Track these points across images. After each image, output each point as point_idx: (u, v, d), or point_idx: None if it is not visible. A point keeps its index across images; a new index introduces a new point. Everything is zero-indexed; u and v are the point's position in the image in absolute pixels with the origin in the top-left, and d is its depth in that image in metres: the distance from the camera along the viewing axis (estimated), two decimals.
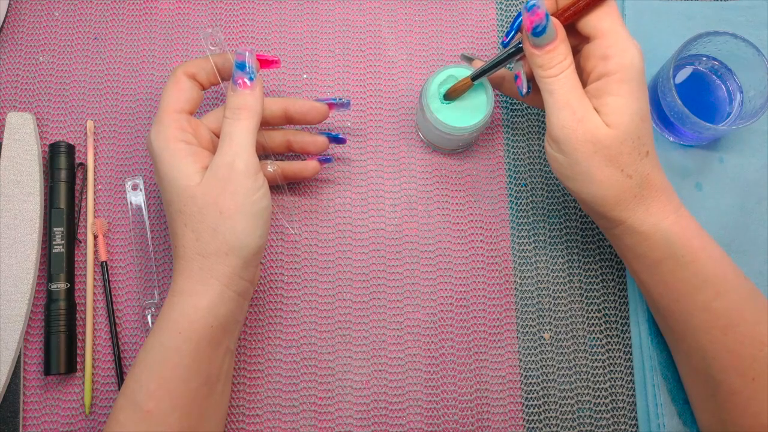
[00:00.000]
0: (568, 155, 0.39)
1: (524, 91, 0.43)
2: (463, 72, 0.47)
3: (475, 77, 0.45)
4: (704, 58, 0.51)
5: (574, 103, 0.38)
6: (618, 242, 0.43)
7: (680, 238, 0.40)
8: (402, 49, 0.53)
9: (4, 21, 0.51)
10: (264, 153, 0.47)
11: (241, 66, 0.41)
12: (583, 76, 0.40)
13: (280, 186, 0.49)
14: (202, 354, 0.38)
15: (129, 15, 0.53)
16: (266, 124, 0.46)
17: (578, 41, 0.41)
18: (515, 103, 0.53)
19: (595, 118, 0.38)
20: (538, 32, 0.38)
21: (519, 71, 0.43)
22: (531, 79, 0.43)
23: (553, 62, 0.38)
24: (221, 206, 0.39)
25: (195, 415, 0.38)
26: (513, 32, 0.42)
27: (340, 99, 0.47)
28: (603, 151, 0.38)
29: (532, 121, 0.53)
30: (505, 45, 0.43)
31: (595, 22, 0.39)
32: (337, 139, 0.48)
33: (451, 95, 0.47)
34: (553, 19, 0.38)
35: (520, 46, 0.41)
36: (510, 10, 0.55)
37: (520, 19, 0.40)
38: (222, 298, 0.39)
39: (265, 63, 0.44)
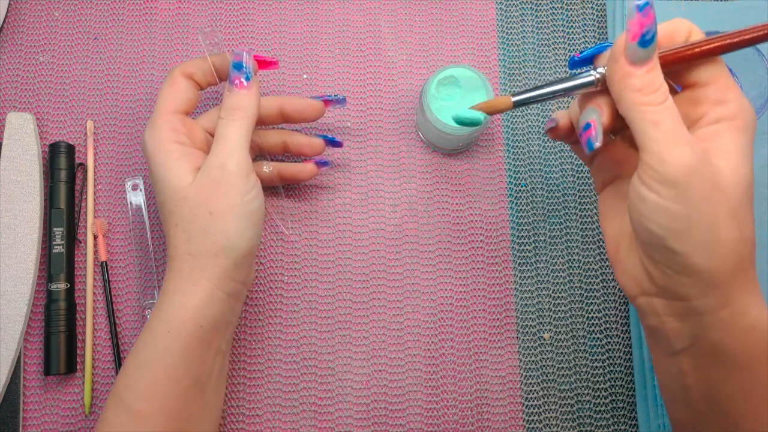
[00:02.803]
0: (687, 204, 0.30)
1: (596, 144, 0.33)
2: (464, 72, 0.47)
3: (521, 102, 0.36)
4: None
5: (690, 138, 0.31)
6: (696, 333, 0.33)
7: None
8: (402, 49, 0.53)
9: (4, 21, 0.51)
10: (260, 153, 0.47)
11: (238, 66, 0.41)
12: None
13: (277, 187, 0.49)
14: (192, 354, 0.38)
15: (129, 15, 0.53)
16: (262, 123, 0.46)
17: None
18: None
19: (715, 163, 0.31)
20: (647, 39, 0.31)
21: (593, 119, 0.34)
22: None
23: (655, 84, 0.31)
24: (212, 207, 0.39)
25: (184, 415, 0.38)
26: (592, 52, 0.35)
27: (335, 95, 0.47)
28: (727, 202, 0.31)
29: (531, 121, 0.53)
30: (574, 64, 0.36)
31: (708, 68, 0.33)
32: (333, 143, 0.48)
33: (477, 112, 0.39)
34: None
35: (592, 78, 0.34)
36: (510, 10, 0.55)
37: (603, 46, 0.34)
38: (212, 299, 0.39)
39: (263, 64, 0.44)
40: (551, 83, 0.35)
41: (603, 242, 0.50)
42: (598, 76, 0.34)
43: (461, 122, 0.40)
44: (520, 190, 0.51)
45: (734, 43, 0.32)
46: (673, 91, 0.34)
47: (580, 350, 0.49)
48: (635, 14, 0.31)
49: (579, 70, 0.36)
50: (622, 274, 0.36)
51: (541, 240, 0.51)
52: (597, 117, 0.34)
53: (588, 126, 0.34)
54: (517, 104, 0.36)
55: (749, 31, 0.33)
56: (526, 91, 0.36)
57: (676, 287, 0.32)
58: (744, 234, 0.31)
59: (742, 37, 0.32)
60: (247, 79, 0.41)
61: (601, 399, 0.48)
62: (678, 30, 0.34)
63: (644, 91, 0.31)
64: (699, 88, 0.34)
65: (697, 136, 0.33)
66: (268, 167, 0.47)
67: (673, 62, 0.33)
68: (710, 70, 0.33)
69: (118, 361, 0.46)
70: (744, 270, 0.32)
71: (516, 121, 0.53)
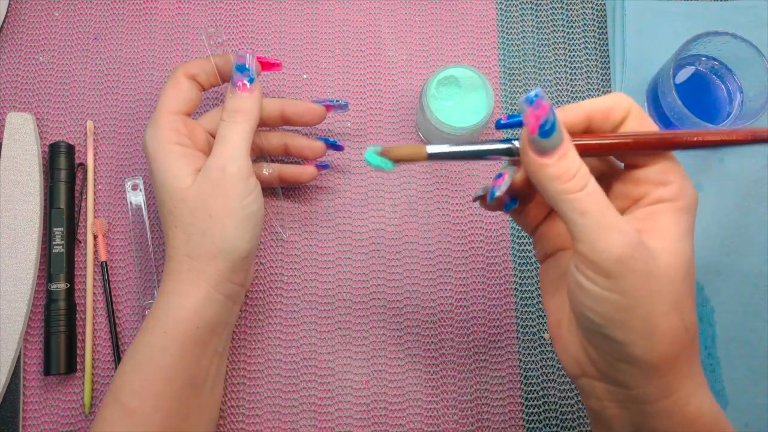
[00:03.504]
0: (625, 293, 0.29)
1: (498, 193, 0.33)
2: (464, 72, 0.47)
3: (435, 155, 0.33)
4: (704, 58, 0.51)
5: (620, 223, 0.29)
6: (638, 421, 0.32)
7: (725, 426, 0.31)
8: (402, 49, 0.53)
9: (4, 21, 0.51)
10: (261, 154, 0.47)
11: (241, 68, 0.41)
12: (622, 204, 0.33)
13: (276, 189, 0.49)
14: (187, 354, 0.39)
15: (129, 15, 0.53)
16: (263, 125, 0.46)
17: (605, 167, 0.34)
18: (515, 103, 0.53)
19: (648, 244, 0.30)
20: (546, 130, 0.29)
21: (506, 172, 0.33)
22: (518, 193, 0.35)
23: (572, 170, 0.29)
24: (211, 209, 0.39)
25: (179, 415, 0.38)
26: (513, 121, 0.34)
27: (337, 101, 0.47)
28: (666, 289, 0.29)
29: None
30: (499, 126, 0.35)
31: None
32: (335, 146, 0.48)
33: (388, 155, 0.34)
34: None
35: (509, 146, 0.33)
36: (510, 10, 0.55)
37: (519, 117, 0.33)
38: (209, 300, 0.39)
39: (266, 65, 0.44)
40: (470, 143, 0.33)
41: None
42: (517, 144, 0.32)
43: (372, 163, 0.34)
44: None
45: (667, 142, 0.31)
46: (617, 170, 0.34)
47: None
48: (527, 108, 0.29)
49: (504, 136, 0.34)
50: (563, 352, 0.34)
51: None
52: (511, 172, 0.33)
53: (499, 176, 0.33)
54: (431, 157, 0.33)
55: (686, 135, 0.31)
56: (444, 146, 0.33)
57: (617, 374, 0.31)
58: (685, 322, 0.30)
59: (678, 138, 0.31)
60: (250, 81, 0.41)
61: None
62: (616, 107, 0.32)
63: (562, 178, 0.29)
64: (640, 168, 0.32)
65: (636, 217, 0.31)
66: (268, 169, 0.46)
67: (600, 151, 0.32)
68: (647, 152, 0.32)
69: (118, 361, 0.46)
70: (686, 358, 0.30)
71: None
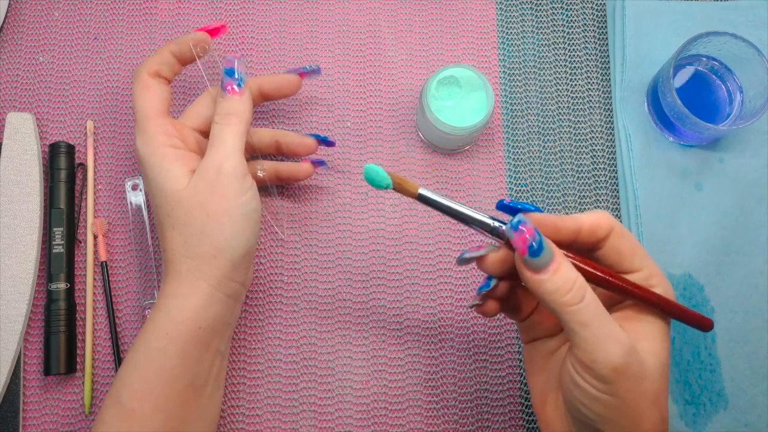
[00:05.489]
0: (616, 396, 0.32)
1: (466, 255, 0.35)
2: (464, 72, 0.47)
3: (424, 198, 0.34)
4: (704, 59, 0.51)
5: (616, 332, 0.31)
6: None
7: None
8: (402, 49, 0.53)
9: (4, 21, 0.51)
10: (253, 153, 0.48)
11: (230, 72, 0.41)
12: (606, 302, 0.35)
13: (270, 188, 0.49)
14: (188, 356, 0.38)
15: (129, 15, 0.53)
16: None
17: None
18: (515, 103, 0.53)
19: (638, 347, 0.32)
20: (535, 251, 0.31)
21: (485, 246, 0.36)
22: (496, 274, 0.36)
23: (569, 282, 0.31)
24: (208, 209, 0.39)
25: (180, 417, 0.38)
26: (521, 206, 0.35)
27: (309, 66, 0.48)
28: (651, 388, 0.32)
29: (532, 122, 0.53)
30: (502, 206, 0.36)
31: (634, 257, 0.35)
32: (326, 142, 0.48)
33: (392, 184, 0.34)
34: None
35: (497, 227, 0.34)
36: (510, 10, 0.54)
37: (530, 208, 0.35)
38: (211, 300, 0.39)
39: (213, 32, 0.45)
40: (463, 205, 0.34)
41: None
42: (503, 227, 0.34)
43: (369, 176, 0.34)
44: (520, 190, 0.51)
45: (631, 294, 0.34)
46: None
47: None
48: (513, 234, 0.32)
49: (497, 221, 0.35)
50: (546, 429, 0.37)
51: None
52: (490, 248, 0.35)
53: (473, 248, 0.36)
54: (420, 198, 0.34)
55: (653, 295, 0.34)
56: (437, 194, 0.34)
57: None
58: (662, 414, 0.33)
59: (644, 295, 0.34)
60: (239, 85, 0.41)
61: None
62: (602, 225, 0.34)
63: (559, 292, 0.31)
64: (625, 274, 0.35)
65: (621, 316, 0.34)
66: (261, 170, 0.47)
67: (595, 279, 0.34)
68: (637, 259, 0.35)
69: (118, 361, 0.46)
70: None
71: (516, 121, 0.53)
